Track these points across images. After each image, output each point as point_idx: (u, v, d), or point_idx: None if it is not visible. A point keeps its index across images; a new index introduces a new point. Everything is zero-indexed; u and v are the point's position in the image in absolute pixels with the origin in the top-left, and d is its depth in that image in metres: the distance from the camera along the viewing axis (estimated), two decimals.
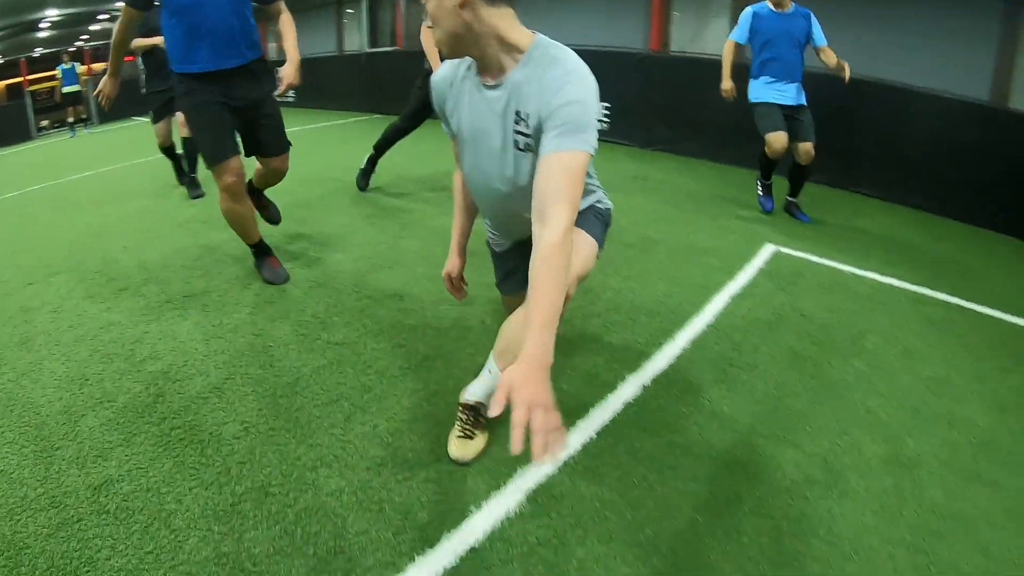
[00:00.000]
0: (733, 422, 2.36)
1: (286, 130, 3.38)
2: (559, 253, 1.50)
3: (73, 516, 1.76)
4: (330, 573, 1.59)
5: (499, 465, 2.02)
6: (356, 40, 14.49)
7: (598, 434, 2.23)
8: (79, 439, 2.08)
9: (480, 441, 2.07)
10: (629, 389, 2.52)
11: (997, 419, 2.60)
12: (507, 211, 2.01)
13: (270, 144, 3.32)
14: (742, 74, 5.18)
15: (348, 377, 2.48)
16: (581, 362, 2.70)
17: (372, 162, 5.45)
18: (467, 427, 2.06)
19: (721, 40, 6.75)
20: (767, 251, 4.31)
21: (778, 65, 5.02)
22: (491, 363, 2.03)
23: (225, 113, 3.08)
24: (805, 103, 5.12)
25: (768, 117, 5.04)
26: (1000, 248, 5.15)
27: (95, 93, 3.30)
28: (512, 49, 1.71)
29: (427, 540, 1.71)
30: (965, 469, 2.26)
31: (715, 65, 5.44)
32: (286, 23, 3.30)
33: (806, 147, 5.03)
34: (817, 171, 5.91)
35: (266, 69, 3.25)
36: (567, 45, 1.74)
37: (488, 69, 1.76)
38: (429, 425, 2.21)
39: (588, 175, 2.02)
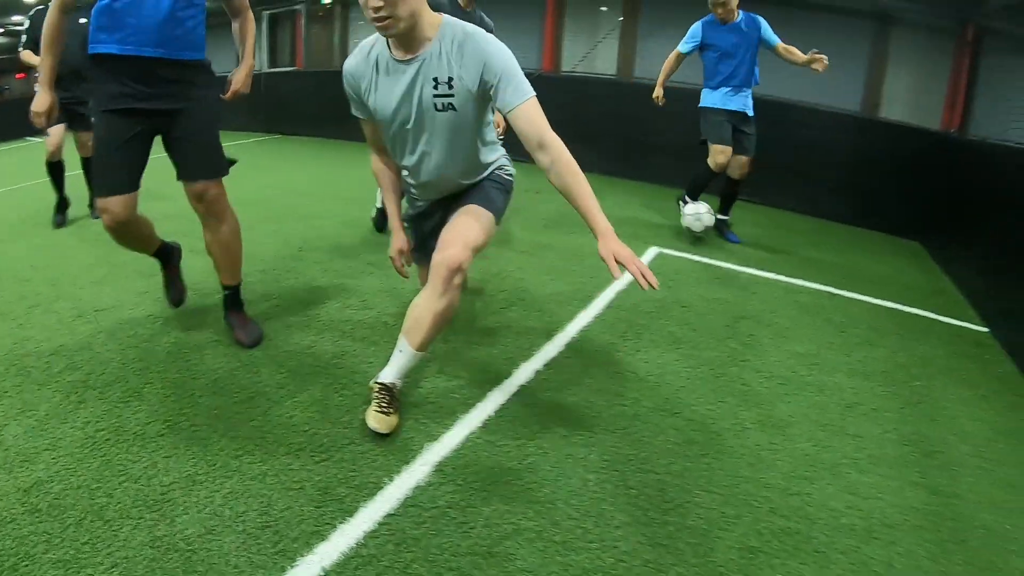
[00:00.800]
0: (619, 398, 2.63)
1: (217, 152, 2.78)
2: (570, 160, 2.08)
3: (5, 517, 1.82)
4: (260, 545, 1.74)
5: (408, 443, 2.23)
6: (256, 60, 14.46)
7: (496, 413, 2.47)
8: (4, 447, 2.13)
9: (395, 418, 2.29)
10: (523, 374, 2.78)
11: (862, 384, 2.99)
12: (434, 165, 2.33)
13: (187, 165, 2.70)
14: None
15: (263, 376, 2.62)
16: (479, 353, 2.95)
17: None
18: (383, 404, 2.28)
19: (610, 61, 7.18)
20: (651, 253, 4.71)
21: (736, 77, 5.00)
22: (401, 343, 2.29)
23: (130, 127, 2.52)
24: (752, 113, 5.12)
25: (716, 126, 5.03)
26: (866, 242, 5.66)
27: (31, 117, 2.73)
28: (430, 27, 2.12)
29: (347, 511, 1.88)
30: (832, 425, 2.61)
31: (603, 83, 5.82)
32: (247, 23, 2.92)
33: (741, 160, 5.08)
34: (664, 174, 6.50)
35: (205, 80, 2.70)
36: None
37: (410, 45, 2.12)
38: (341, 413, 2.39)
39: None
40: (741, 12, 4.97)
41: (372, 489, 1.98)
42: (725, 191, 5.40)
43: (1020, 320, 3.84)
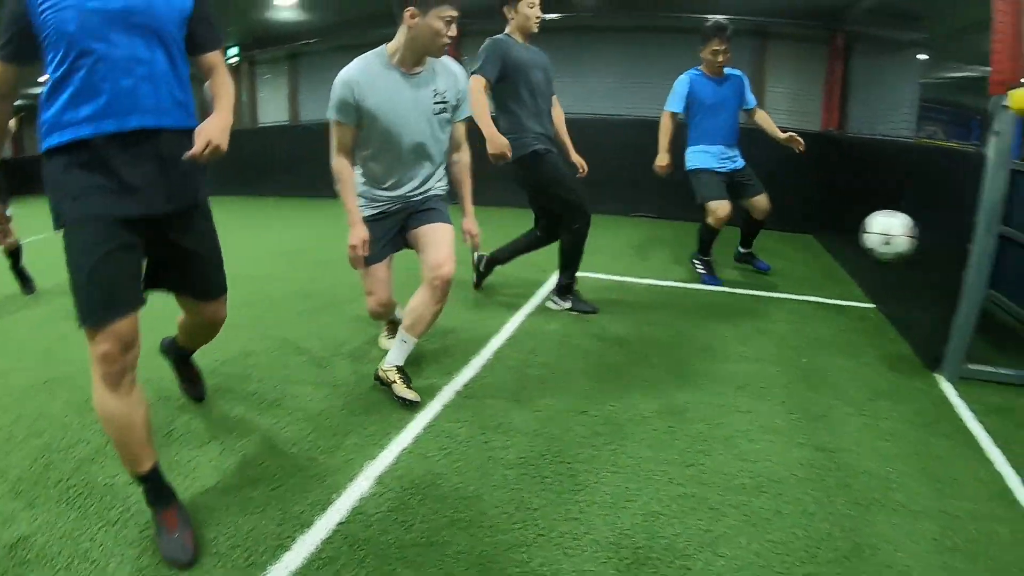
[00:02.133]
0: (532, 404, 3.01)
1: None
2: (470, 162, 3.25)
3: None
4: (233, 562, 2.00)
5: (350, 463, 2.54)
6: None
7: (424, 429, 2.82)
8: None
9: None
10: (446, 394, 3.15)
11: (753, 367, 3.43)
12: (418, 158, 3.01)
13: (198, 282, 2.28)
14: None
15: (213, 424, 2.88)
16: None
17: (490, 266, 4.83)
18: (407, 381, 3.03)
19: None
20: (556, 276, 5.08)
21: (721, 132, 4.92)
22: (405, 335, 3.04)
23: (124, 232, 1.94)
24: (744, 163, 5.06)
25: (709, 185, 4.91)
26: (763, 241, 6.05)
27: None
28: None
29: (304, 524, 2.17)
30: (726, 404, 3.04)
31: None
32: (221, 76, 2.18)
33: (760, 201, 5.02)
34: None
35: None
36: None
37: (418, 62, 2.86)
38: (288, 446, 2.68)
39: None
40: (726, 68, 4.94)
41: (324, 504, 2.28)
42: (748, 229, 5.40)
43: (898, 292, 4.40)
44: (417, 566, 1.98)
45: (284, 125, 13.59)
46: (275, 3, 10.78)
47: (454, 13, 2.71)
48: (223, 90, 2.15)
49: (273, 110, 14.22)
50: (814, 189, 7.03)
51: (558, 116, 4.35)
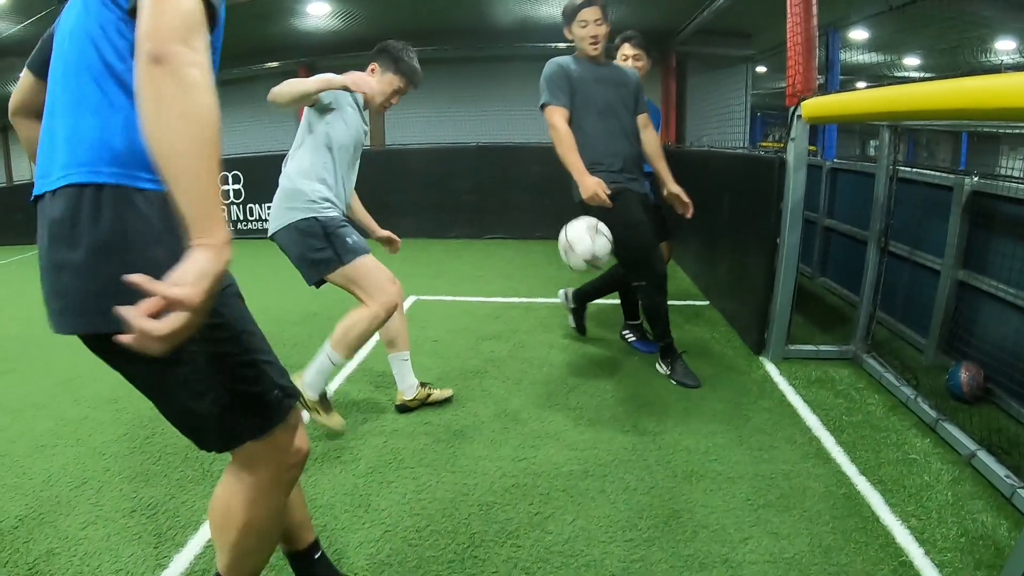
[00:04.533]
0: (379, 421, 3.26)
1: None
2: None
3: None
4: None
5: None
6: None
7: None
8: None
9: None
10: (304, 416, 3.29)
11: (586, 368, 3.81)
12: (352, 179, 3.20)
13: None
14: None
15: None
16: None
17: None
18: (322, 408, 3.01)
19: None
20: (409, 301, 5.40)
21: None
22: (330, 352, 2.95)
23: None
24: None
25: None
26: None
27: None
28: None
29: (178, 544, 2.31)
30: (556, 405, 3.39)
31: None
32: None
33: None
34: (417, 230, 7.75)
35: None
36: None
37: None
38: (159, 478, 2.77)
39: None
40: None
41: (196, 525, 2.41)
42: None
43: (726, 288, 5.01)
44: (270, 567, 2.11)
45: None
46: None
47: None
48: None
49: None
50: (657, 201, 7.65)
51: (648, 140, 3.85)
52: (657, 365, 3.85)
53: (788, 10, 3.88)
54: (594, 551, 2.25)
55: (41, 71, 1.54)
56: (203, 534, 2.36)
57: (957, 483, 2.64)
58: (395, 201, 8.29)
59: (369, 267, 2.95)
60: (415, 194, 8.71)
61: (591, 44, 3.57)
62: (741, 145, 8.72)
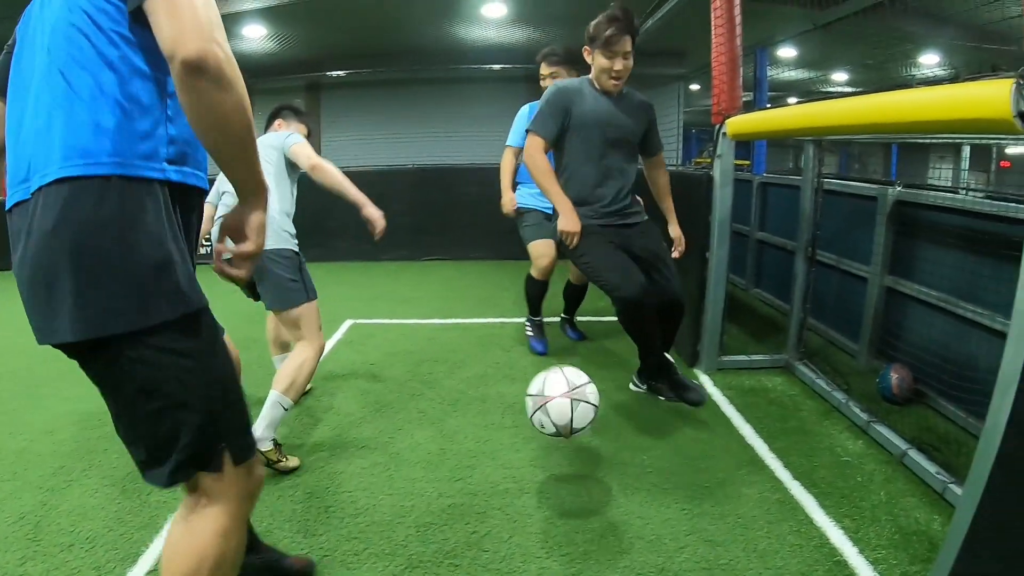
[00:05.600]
0: (317, 447, 3.17)
1: None
2: None
3: None
4: None
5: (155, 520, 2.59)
6: None
7: None
8: None
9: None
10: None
11: (520, 388, 3.64)
12: None
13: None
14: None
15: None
16: None
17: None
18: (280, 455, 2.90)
19: None
20: (346, 325, 5.32)
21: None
22: (281, 399, 2.87)
23: None
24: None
25: (535, 226, 4.37)
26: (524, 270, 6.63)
27: None
28: None
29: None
30: (493, 424, 3.38)
31: None
32: None
33: None
34: (354, 252, 7.77)
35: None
36: None
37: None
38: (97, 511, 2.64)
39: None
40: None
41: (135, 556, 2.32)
42: (572, 295, 4.84)
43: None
44: None
45: None
46: None
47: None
48: None
49: None
50: None
51: (656, 181, 3.62)
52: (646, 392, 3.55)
53: (712, 31, 3.97)
54: (531, 567, 2.24)
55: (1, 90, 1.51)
56: (142, 567, 2.28)
57: (890, 482, 2.72)
58: (332, 224, 8.22)
59: (316, 308, 3.17)
60: (352, 216, 8.59)
61: (612, 80, 3.17)
62: (674, 162, 8.89)
